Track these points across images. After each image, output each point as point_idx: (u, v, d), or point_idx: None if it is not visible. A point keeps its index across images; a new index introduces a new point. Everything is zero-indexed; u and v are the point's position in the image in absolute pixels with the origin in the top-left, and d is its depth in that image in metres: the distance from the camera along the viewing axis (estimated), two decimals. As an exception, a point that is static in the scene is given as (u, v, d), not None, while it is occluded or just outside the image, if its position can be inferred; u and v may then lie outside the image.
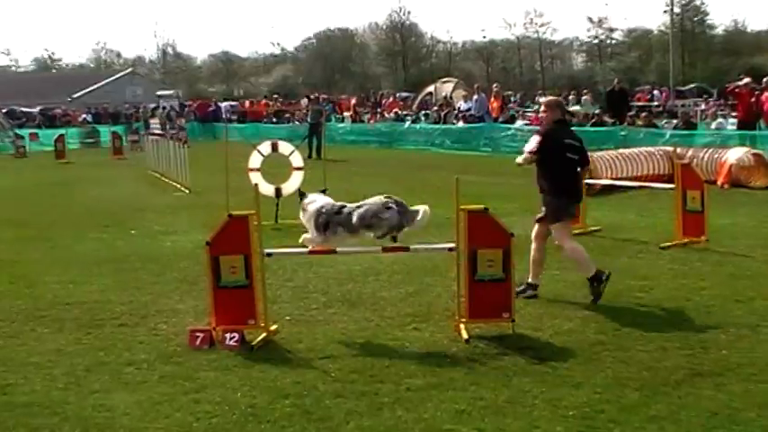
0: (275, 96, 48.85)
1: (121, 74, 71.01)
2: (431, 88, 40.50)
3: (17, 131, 37.84)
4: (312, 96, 33.87)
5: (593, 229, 11.56)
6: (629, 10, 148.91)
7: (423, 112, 35.28)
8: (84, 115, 46.41)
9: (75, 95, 61.33)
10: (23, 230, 13.46)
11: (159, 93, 49.67)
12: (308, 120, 28.31)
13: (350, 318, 7.56)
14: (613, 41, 76.35)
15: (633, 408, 5.29)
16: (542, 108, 9.01)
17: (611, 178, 14.97)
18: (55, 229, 13.56)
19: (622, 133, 22.24)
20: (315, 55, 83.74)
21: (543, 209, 8.16)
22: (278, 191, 12.89)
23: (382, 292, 8.44)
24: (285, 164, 13.21)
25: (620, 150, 17.45)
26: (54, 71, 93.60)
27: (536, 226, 8.26)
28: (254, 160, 13.03)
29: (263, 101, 45.41)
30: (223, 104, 46.94)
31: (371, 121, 35.35)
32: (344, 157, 24.47)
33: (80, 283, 9.36)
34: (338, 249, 7.37)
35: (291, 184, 12.98)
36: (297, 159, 13.15)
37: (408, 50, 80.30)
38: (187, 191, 17.89)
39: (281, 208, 12.90)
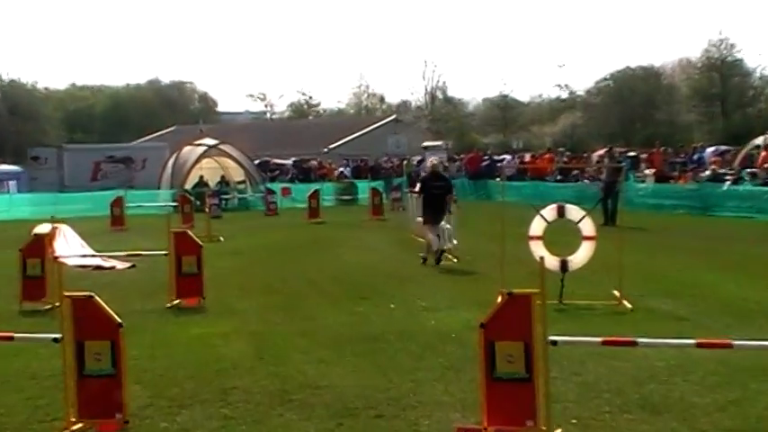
0: (561, 149, 48.95)
1: (384, 121, 73.60)
2: (759, 140, 38.74)
3: (268, 186, 40.47)
4: (607, 150, 33.47)
5: None
6: None
7: (747, 170, 33.76)
8: (340, 168, 48.78)
9: (332, 146, 64.48)
10: (271, 298, 14.32)
11: (426, 144, 51.22)
12: (602, 178, 28.03)
13: (652, 427, 7.31)
14: None
15: None
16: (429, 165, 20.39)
17: None
18: (305, 297, 14.29)
19: None
20: (611, 99, 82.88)
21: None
22: (564, 264, 12.79)
23: (693, 398, 8.09)
24: (573, 232, 13.10)
25: None
26: (310, 118, 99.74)
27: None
28: (537, 226, 13.03)
29: (547, 154, 45.49)
30: (502, 158, 47.56)
31: (680, 181, 34.35)
32: (644, 224, 23.93)
33: (332, 362, 9.78)
34: (639, 341, 7.16)
35: (580, 257, 12.85)
36: (587, 227, 12.98)
37: (729, 93, 77.41)
38: (455, 260, 18.24)
39: (566, 285, 12.81)
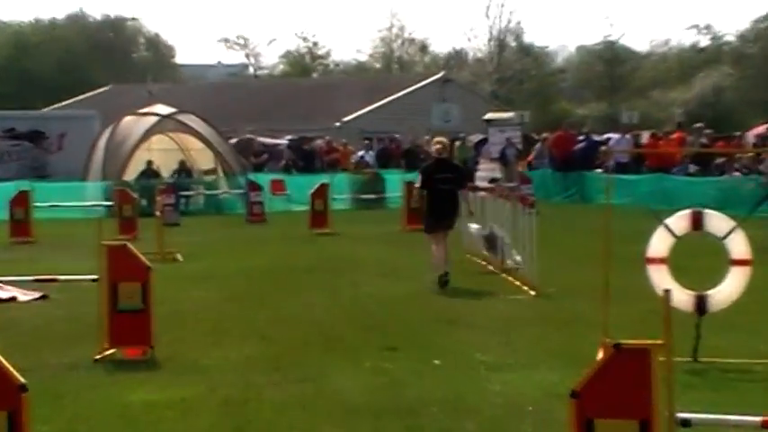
0: (699, 126, 48.70)
1: (426, 81, 73.42)
2: None
3: (251, 177, 40.00)
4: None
5: None
6: None
7: None
8: (360, 152, 48.68)
9: (348, 118, 64.42)
10: (255, 348, 14.34)
11: (489, 116, 50.98)
12: (764, 169, 27.88)
13: None
14: None
15: None
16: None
17: None
18: (308, 349, 14.30)
19: None
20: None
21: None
22: (701, 302, 12.74)
23: None
24: (716, 252, 13.05)
25: None
26: (315, 75, 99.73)
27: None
28: (660, 244, 13.01)
29: (677, 133, 45.27)
30: (606, 139, 47.29)
31: None
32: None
33: (352, 447, 9.83)
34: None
35: (727, 292, 12.77)
36: (739, 246, 12.92)
37: None
38: (532, 292, 18.21)
39: (705, 333, 12.75)
